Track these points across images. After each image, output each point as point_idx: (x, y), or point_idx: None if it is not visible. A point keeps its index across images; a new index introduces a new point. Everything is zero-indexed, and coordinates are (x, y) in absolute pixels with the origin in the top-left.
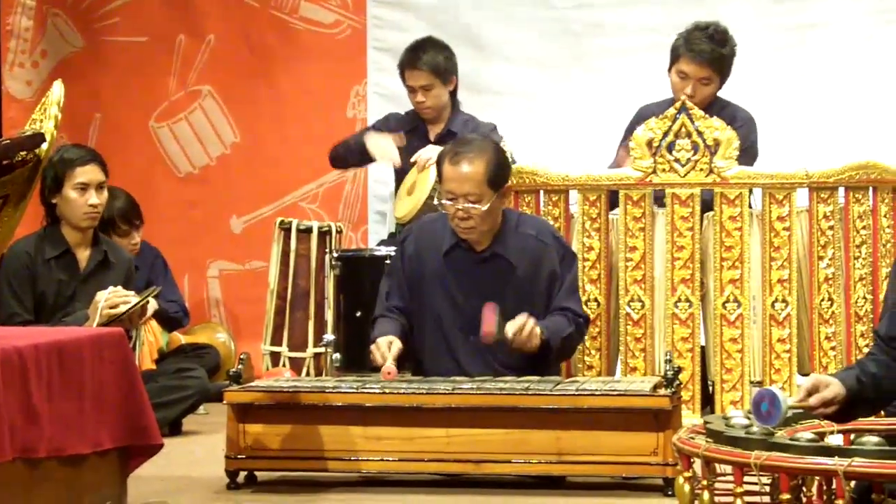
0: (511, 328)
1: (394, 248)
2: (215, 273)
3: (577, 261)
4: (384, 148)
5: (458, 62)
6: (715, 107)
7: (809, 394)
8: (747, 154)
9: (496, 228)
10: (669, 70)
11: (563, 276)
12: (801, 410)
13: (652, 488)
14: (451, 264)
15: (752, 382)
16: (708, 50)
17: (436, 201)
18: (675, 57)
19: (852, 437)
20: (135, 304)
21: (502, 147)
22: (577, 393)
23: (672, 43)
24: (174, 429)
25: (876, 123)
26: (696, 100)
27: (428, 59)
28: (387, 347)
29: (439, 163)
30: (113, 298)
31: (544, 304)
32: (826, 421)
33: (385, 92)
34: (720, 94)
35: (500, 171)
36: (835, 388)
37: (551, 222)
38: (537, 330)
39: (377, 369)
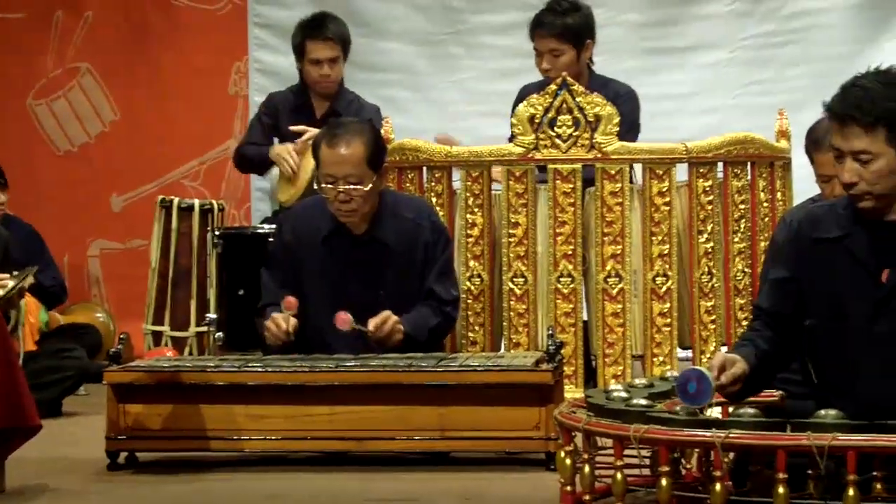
0: (372, 322)
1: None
2: (96, 252)
3: (452, 244)
4: (285, 158)
5: None
6: (595, 83)
7: (719, 372)
8: (632, 130)
9: (373, 210)
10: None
11: (435, 258)
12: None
13: (534, 462)
14: (331, 250)
15: (633, 356)
16: (550, 23)
17: (315, 186)
18: (531, 39)
19: (731, 409)
20: (12, 288)
21: (376, 126)
22: (459, 369)
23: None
24: (53, 410)
25: (753, 97)
26: (554, 72)
27: (335, 31)
28: (283, 320)
29: (315, 147)
30: None
31: (420, 286)
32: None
33: (267, 68)
34: (601, 71)
35: (378, 151)
36: (741, 365)
37: (433, 199)
38: (399, 326)
39: (273, 349)
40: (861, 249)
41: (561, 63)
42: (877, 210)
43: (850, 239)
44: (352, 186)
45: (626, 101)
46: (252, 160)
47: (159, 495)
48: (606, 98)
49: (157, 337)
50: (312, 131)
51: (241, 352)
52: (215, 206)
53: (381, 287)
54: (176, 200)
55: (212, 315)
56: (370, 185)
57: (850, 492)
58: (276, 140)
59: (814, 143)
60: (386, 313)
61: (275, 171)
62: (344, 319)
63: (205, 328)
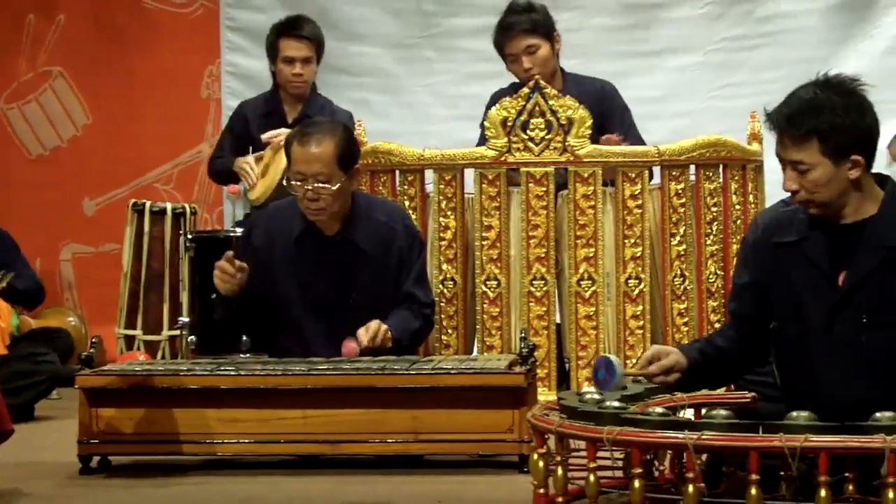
0: (365, 336)
1: None
2: (68, 256)
3: (426, 248)
4: (246, 170)
5: None
6: (570, 82)
7: (650, 363)
8: (633, 127)
9: (346, 212)
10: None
11: (410, 262)
12: (652, 385)
13: (508, 465)
14: (302, 250)
15: None
16: (518, 21)
17: (285, 183)
18: (499, 49)
19: (703, 411)
20: None
21: (350, 128)
22: (433, 372)
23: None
24: (26, 414)
25: (725, 100)
26: (536, 69)
27: (310, 31)
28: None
29: (287, 145)
30: None
31: (393, 289)
32: (678, 394)
33: (239, 72)
34: (574, 70)
35: (349, 151)
36: (674, 357)
37: (406, 202)
38: (389, 334)
39: (224, 297)
40: (817, 254)
41: (540, 58)
42: (825, 216)
43: (807, 243)
44: (320, 185)
45: (614, 94)
46: (221, 173)
47: (132, 499)
48: (587, 95)
49: (129, 341)
50: (285, 131)
51: (214, 355)
52: (188, 209)
53: (353, 289)
54: (148, 204)
55: (184, 318)
56: (339, 185)
57: (822, 493)
58: (250, 149)
59: None
60: (375, 323)
61: None
62: (351, 349)
63: (177, 332)
